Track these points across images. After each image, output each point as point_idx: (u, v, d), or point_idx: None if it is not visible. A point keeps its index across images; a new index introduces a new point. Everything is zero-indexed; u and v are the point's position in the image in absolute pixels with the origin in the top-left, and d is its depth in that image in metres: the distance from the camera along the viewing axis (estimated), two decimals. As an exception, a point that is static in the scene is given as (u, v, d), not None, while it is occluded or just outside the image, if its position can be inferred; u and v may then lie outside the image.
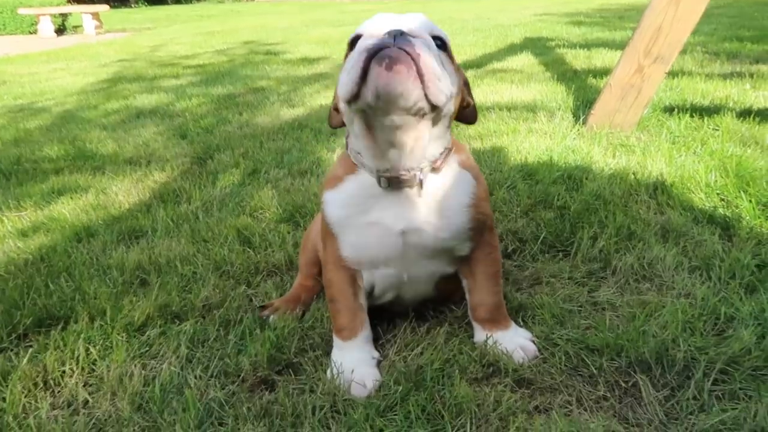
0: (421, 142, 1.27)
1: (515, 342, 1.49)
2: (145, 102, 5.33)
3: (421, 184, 1.35)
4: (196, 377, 1.46)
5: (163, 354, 1.56)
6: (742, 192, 2.21)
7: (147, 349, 1.59)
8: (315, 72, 6.46)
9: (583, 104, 3.61)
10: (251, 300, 1.83)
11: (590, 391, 1.36)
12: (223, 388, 1.42)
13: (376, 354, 1.51)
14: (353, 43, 1.26)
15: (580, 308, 1.67)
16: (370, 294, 1.53)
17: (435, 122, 1.25)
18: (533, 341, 1.52)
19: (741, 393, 1.30)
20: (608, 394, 1.35)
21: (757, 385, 1.31)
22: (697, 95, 3.75)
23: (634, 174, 2.46)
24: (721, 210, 2.14)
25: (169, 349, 1.57)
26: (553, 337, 1.54)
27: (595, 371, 1.41)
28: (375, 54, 1.10)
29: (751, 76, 4.10)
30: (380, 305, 1.60)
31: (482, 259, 1.49)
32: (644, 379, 1.36)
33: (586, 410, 1.31)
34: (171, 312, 1.75)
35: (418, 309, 1.66)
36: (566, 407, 1.32)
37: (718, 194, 2.26)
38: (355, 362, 1.44)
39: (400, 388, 1.36)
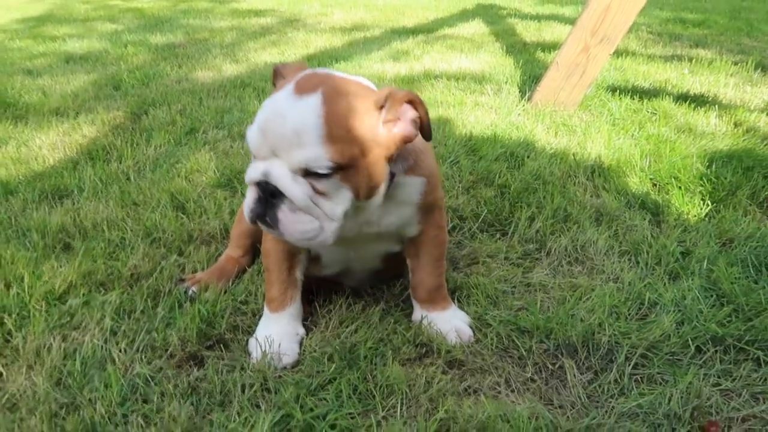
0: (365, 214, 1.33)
1: (451, 324, 1.51)
2: (76, 47, 4.99)
3: None
4: (120, 351, 1.40)
5: (85, 326, 1.49)
6: (673, 178, 2.29)
7: (68, 319, 1.51)
8: (262, 25, 6.21)
9: (530, 79, 3.63)
10: (183, 270, 1.76)
11: (519, 373, 1.39)
12: (149, 363, 1.37)
13: (301, 331, 1.49)
14: None
15: (513, 289, 1.71)
16: (316, 263, 1.52)
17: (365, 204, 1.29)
18: (470, 325, 1.54)
19: (658, 377, 1.37)
20: (536, 377, 1.39)
21: (674, 370, 1.37)
22: (639, 77, 3.84)
23: (573, 155, 2.50)
24: (653, 195, 2.21)
25: (92, 320, 1.50)
26: (486, 317, 1.56)
27: (524, 353, 1.44)
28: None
29: (690, 60, 4.22)
30: (329, 277, 1.58)
31: (428, 240, 1.49)
32: (570, 363, 1.40)
33: (513, 392, 1.34)
34: (96, 280, 1.67)
35: (364, 282, 1.66)
36: (495, 389, 1.35)
37: (651, 179, 2.33)
38: (279, 335, 1.43)
39: (333, 366, 1.35)
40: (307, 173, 1.16)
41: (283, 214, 1.19)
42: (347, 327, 1.51)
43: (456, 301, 1.63)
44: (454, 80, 3.70)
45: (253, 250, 1.81)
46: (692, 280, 1.69)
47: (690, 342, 1.45)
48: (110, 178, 2.32)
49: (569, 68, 3.00)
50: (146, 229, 1.93)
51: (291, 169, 1.15)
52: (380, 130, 1.22)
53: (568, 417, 1.26)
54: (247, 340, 1.46)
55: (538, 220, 2.01)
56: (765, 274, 1.73)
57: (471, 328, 1.52)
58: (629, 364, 1.39)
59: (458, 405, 1.28)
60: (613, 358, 1.42)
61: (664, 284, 1.70)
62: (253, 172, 1.18)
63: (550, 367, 1.41)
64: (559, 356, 1.44)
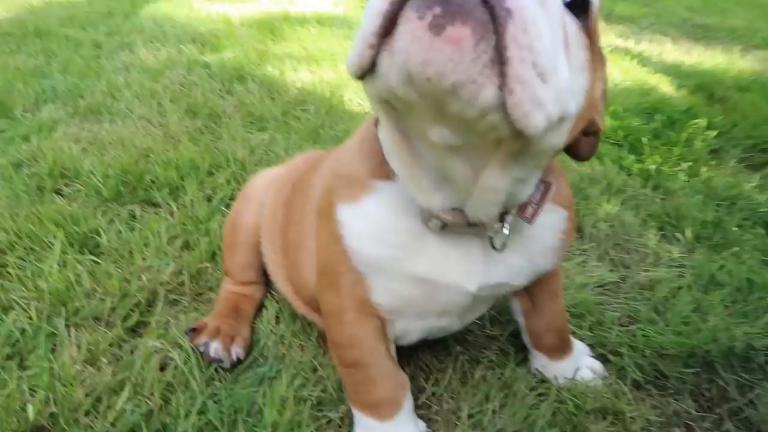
0: (495, 182, 0.69)
1: (580, 363, 1.16)
2: None
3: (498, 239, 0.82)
4: None
5: None
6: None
7: None
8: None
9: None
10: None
11: (699, 416, 1.12)
12: None
13: (423, 426, 1.00)
14: None
15: (595, 296, 1.41)
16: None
17: (521, 157, 0.65)
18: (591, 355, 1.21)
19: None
20: (713, 413, 1.13)
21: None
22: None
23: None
24: (626, 155, 2.08)
25: None
26: (606, 341, 1.25)
27: (677, 384, 1.18)
28: None
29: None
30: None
31: (549, 274, 1.06)
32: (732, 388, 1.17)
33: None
34: None
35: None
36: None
37: (608, 138, 2.20)
38: None
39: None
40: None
41: (530, 10, 0.52)
42: (479, 410, 1.05)
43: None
44: (323, 25, 3.13)
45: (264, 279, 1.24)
46: (748, 252, 1.60)
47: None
48: None
49: None
50: (53, 296, 1.13)
51: None
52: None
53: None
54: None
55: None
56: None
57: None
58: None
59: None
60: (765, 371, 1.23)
61: (726, 260, 1.57)
62: None
63: (709, 395, 1.17)
64: (716, 380, 1.20)
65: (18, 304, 1.09)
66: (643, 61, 3.29)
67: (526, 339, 1.15)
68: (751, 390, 1.19)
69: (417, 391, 1.06)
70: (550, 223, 0.91)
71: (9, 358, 1.01)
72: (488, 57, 0.50)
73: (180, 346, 1.07)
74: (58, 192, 1.48)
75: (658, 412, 1.12)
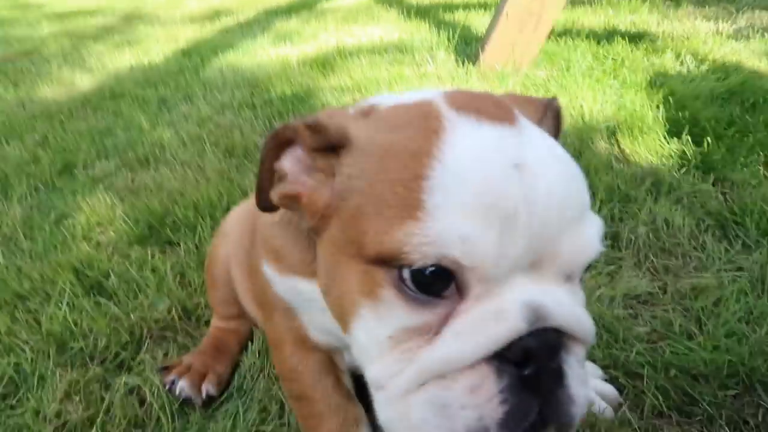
0: None
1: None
2: None
3: None
4: None
5: None
6: (690, 125, 1.95)
7: None
8: (99, 25, 5.17)
9: (461, 40, 3.17)
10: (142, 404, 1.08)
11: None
12: None
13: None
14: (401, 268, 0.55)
15: (623, 311, 1.24)
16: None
17: None
18: (606, 379, 1.06)
19: None
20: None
21: None
22: (568, 24, 3.52)
23: (576, 119, 2.07)
24: (689, 147, 1.85)
25: None
26: (627, 362, 1.08)
27: (711, 409, 0.99)
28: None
29: (591, 3, 4.02)
30: None
31: None
32: None
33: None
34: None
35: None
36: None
37: (671, 130, 1.97)
38: None
39: None
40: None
41: (576, 383, 0.57)
42: None
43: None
44: (376, 54, 3.14)
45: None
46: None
47: None
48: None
49: (521, 18, 2.57)
50: (53, 337, 1.20)
51: (562, 282, 0.58)
52: None
53: None
54: None
55: (595, 205, 1.56)
56: None
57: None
58: None
59: None
60: None
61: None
62: (509, 320, 0.54)
63: (753, 422, 0.96)
64: (764, 404, 1.00)
65: (19, 347, 1.17)
66: (723, 42, 2.96)
67: None
68: (809, 415, 0.98)
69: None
70: None
71: (4, 398, 1.08)
72: None
73: (156, 384, 1.08)
74: (90, 240, 1.59)
75: (675, 445, 0.95)
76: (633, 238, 1.46)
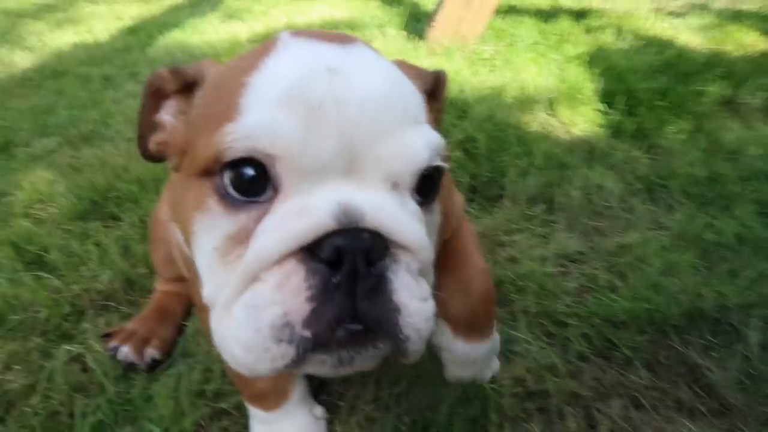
0: None
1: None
2: None
3: None
4: None
5: None
6: (629, 96, 2.03)
7: None
8: (38, 2, 4.97)
9: (412, 17, 3.19)
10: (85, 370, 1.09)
11: (649, 384, 1.00)
12: None
13: (320, 412, 0.95)
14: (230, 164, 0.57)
15: (553, 269, 1.30)
16: None
17: None
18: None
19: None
20: (666, 384, 1.01)
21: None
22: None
23: (517, 90, 2.13)
24: (625, 118, 1.93)
25: None
26: (556, 313, 1.15)
27: (628, 353, 1.06)
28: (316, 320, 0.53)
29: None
30: None
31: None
32: (698, 355, 1.04)
33: (669, 413, 0.95)
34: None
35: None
36: (633, 413, 0.95)
37: (607, 102, 2.05)
38: None
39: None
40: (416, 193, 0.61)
41: (403, 292, 0.56)
42: (378, 387, 0.99)
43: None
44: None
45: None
46: (743, 205, 1.43)
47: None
48: None
49: (468, -6, 2.60)
50: (-6, 311, 1.20)
51: (388, 189, 0.59)
52: None
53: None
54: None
55: (531, 174, 1.62)
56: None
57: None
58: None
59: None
60: (739, 331, 1.09)
61: (715, 218, 1.41)
62: (314, 215, 0.55)
63: (666, 363, 1.05)
64: (675, 346, 1.08)
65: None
66: (663, 18, 3.07)
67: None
68: (716, 354, 1.06)
69: (320, 381, 1.02)
70: None
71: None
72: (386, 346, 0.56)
73: (99, 351, 1.09)
74: (30, 216, 1.57)
75: (594, 383, 1.01)
76: (567, 201, 1.53)
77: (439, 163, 0.60)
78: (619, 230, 1.43)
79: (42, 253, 1.37)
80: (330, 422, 0.96)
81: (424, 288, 0.60)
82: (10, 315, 1.18)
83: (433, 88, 0.73)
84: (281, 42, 0.62)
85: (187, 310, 1.21)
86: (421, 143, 0.58)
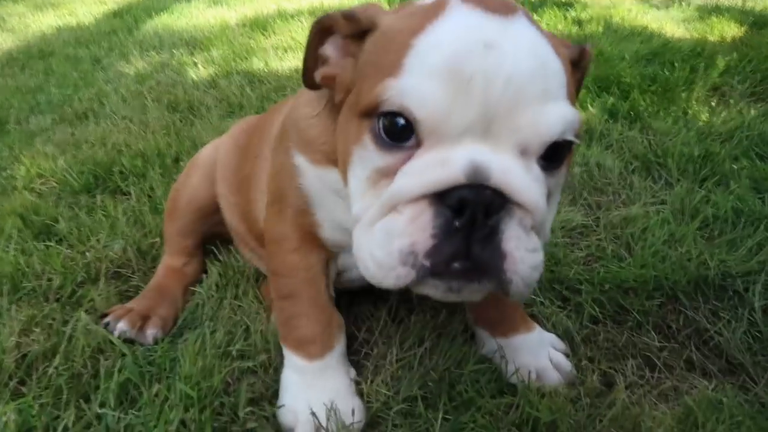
0: None
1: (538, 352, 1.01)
2: None
3: None
4: None
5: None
6: (617, 82, 2.09)
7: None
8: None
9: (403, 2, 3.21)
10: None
11: (662, 345, 1.04)
12: None
13: (353, 373, 0.97)
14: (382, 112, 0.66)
15: (566, 239, 1.34)
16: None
17: None
18: (565, 352, 1.04)
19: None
20: (676, 343, 1.05)
21: None
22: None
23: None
24: (621, 100, 1.98)
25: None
26: (569, 281, 1.19)
27: (640, 317, 1.10)
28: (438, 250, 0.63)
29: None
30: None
31: None
32: (703, 319, 1.09)
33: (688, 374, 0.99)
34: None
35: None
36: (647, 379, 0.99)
37: (599, 86, 2.10)
38: (333, 393, 0.91)
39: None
40: (542, 159, 0.66)
41: (512, 242, 0.64)
42: (407, 362, 1.02)
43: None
44: (316, 16, 3.14)
45: (202, 253, 1.27)
46: (737, 181, 1.48)
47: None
48: None
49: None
50: (4, 278, 1.18)
51: (517, 154, 0.65)
52: None
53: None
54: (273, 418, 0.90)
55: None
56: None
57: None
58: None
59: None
60: (743, 297, 1.14)
61: (712, 192, 1.46)
62: (449, 169, 0.63)
63: (675, 326, 1.09)
64: (684, 310, 1.12)
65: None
66: (647, 10, 3.14)
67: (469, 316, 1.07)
68: (722, 318, 1.10)
69: (349, 338, 1.03)
70: None
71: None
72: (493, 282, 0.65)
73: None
74: (33, 190, 1.55)
75: (609, 345, 1.05)
76: (569, 178, 1.57)
77: (570, 137, 0.65)
78: (621, 205, 1.48)
79: (51, 223, 1.35)
80: (356, 382, 0.97)
81: (534, 241, 0.67)
82: (24, 282, 1.17)
83: (578, 60, 0.77)
84: (449, 7, 0.67)
85: (185, 292, 1.19)
86: (555, 118, 0.63)
